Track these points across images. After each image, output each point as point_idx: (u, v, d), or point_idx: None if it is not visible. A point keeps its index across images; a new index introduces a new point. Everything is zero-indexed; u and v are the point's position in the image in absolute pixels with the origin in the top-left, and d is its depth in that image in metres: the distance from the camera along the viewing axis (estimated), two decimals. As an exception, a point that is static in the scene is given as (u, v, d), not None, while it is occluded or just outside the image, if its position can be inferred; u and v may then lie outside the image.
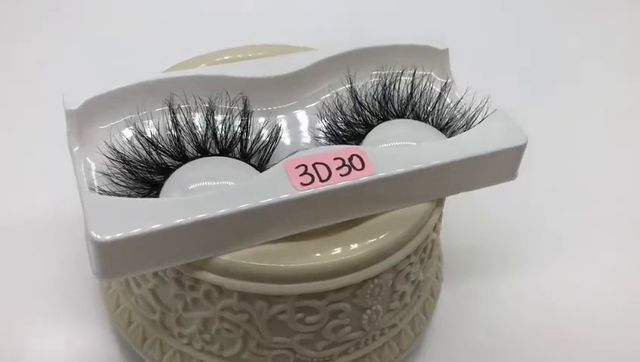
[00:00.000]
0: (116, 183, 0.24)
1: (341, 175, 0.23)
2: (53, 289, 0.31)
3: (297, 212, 0.23)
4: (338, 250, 0.23)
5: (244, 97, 0.26)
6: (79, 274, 0.31)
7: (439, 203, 0.26)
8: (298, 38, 0.33)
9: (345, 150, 0.24)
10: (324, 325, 0.25)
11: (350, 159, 0.24)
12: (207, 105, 0.26)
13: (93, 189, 0.23)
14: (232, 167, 0.24)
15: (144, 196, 0.24)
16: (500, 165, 0.26)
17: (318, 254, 0.23)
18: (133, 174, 0.24)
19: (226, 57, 0.30)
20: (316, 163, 0.24)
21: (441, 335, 0.31)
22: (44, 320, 0.30)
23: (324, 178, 0.23)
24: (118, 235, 0.21)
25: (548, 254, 0.35)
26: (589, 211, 0.38)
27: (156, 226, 0.21)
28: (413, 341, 0.29)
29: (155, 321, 0.26)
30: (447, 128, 0.28)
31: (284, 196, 0.22)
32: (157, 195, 0.24)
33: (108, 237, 0.21)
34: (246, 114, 0.26)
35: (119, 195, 0.23)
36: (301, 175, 0.23)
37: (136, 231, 0.21)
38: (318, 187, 0.23)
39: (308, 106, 0.28)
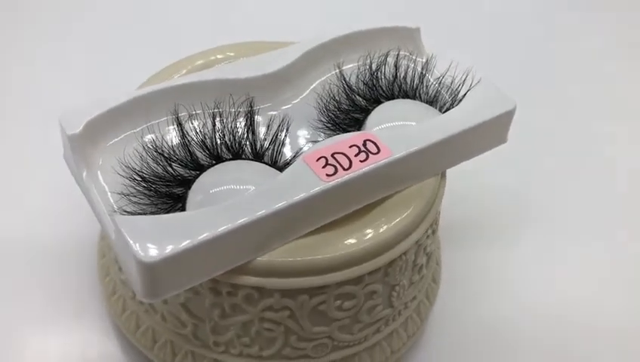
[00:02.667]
0: (136, 202, 0.23)
1: (360, 161, 0.24)
2: (53, 288, 0.31)
3: (326, 203, 0.23)
4: (370, 233, 0.24)
5: (249, 98, 0.26)
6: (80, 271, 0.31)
7: (442, 175, 0.28)
8: (260, 36, 0.33)
9: (358, 136, 0.25)
10: (360, 308, 0.25)
11: (364, 145, 0.25)
12: (210, 110, 0.26)
13: (116, 212, 0.23)
14: (251, 168, 0.24)
15: (168, 210, 0.23)
16: (494, 131, 0.28)
17: (352, 240, 0.24)
18: (154, 191, 0.23)
19: (199, 62, 0.30)
20: (334, 153, 0.24)
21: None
22: (44, 321, 0.30)
23: (346, 166, 0.24)
24: (167, 252, 0.20)
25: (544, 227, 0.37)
26: (590, 206, 0.38)
27: (203, 236, 0.21)
28: (429, 310, 0.30)
29: (187, 335, 0.26)
30: (434, 102, 0.29)
31: (316, 189, 0.23)
32: (181, 208, 0.23)
33: (156, 257, 0.20)
34: (252, 114, 0.26)
35: (148, 213, 0.23)
36: (324, 167, 0.24)
37: (184, 244, 0.20)
38: (343, 176, 0.23)
39: (302, 99, 0.29)
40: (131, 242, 0.20)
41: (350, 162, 0.24)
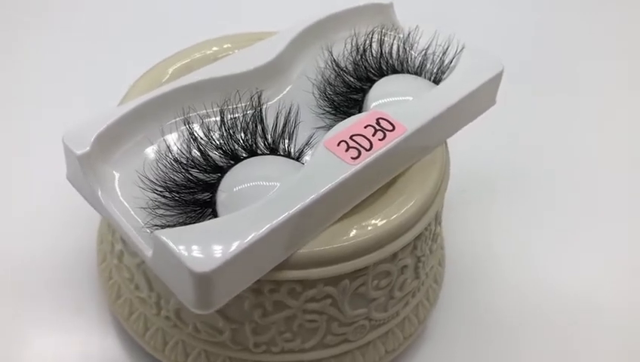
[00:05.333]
0: (162, 215, 0.22)
1: (379, 140, 0.24)
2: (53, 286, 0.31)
3: (355, 185, 0.23)
4: (398, 211, 0.24)
5: (258, 91, 0.25)
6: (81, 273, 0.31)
7: (445, 149, 0.28)
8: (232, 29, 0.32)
9: (370, 116, 0.25)
10: (394, 284, 0.26)
11: (378, 123, 0.25)
12: (216, 110, 0.25)
13: (145, 228, 0.22)
14: (273, 163, 0.24)
15: (199, 218, 0.23)
16: (487, 94, 0.28)
17: (383, 220, 0.24)
18: (179, 200, 0.22)
19: (193, 56, 0.29)
20: (352, 135, 0.24)
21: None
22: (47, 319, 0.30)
23: (367, 147, 0.24)
24: (220, 260, 0.20)
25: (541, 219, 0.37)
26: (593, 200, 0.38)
27: (250, 238, 0.20)
28: (443, 275, 0.31)
29: (224, 341, 0.25)
30: (421, 74, 0.29)
31: (346, 174, 0.23)
32: (212, 213, 0.23)
33: (210, 266, 0.19)
34: (261, 108, 0.25)
35: (178, 224, 0.22)
36: (346, 151, 0.24)
37: (234, 249, 0.20)
38: (367, 157, 0.23)
39: (295, 86, 0.28)
40: (183, 255, 0.20)
41: (370, 142, 0.24)
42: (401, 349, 0.28)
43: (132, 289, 0.27)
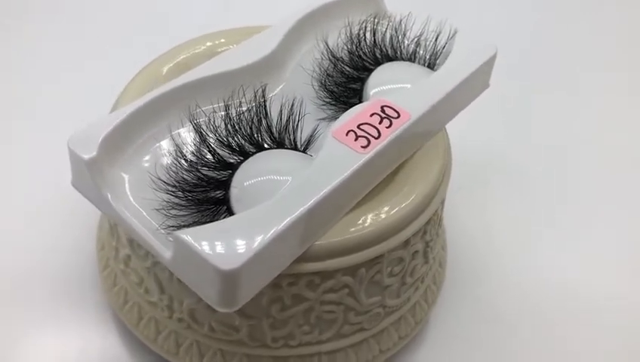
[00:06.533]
0: (175, 215, 0.22)
1: (386, 127, 0.24)
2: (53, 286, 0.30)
3: (367, 174, 0.24)
4: (407, 198, 0.24)
5: (263, 85, 0.25)
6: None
7: (445, 134, 0.28)
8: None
9: (374, 104, 0.25)
10: (406, 270, 0.26)
11: (383, 111, 0.25)
12: (221, 106, 0.25)
13: (160, 230, 0.21)
14: (282, 156, 0.24)
15: (214, 216, 0.22)
16: (481, 78, 0.29)
17: (394, 207, 0.24)
18: (193, 199, 0.22)
19: (198, 48, 0.29)
20: (359, 125, 0.24)
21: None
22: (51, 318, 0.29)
23: (375, 136, 0.24)
24: (244, 256, 0.19)
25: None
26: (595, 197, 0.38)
27: (272, 233, 0.20)
28: (446, 258, 0.31)
29: (241, 339, 0.25)
30: (414, 60, 0.30)
31: (358, 163, 0.23)
32: (227, 210, 0.22)
33: (236, 263, 0.19)
34: (265, 102, 0.25)
35: (197, 223, 0.22)
36: (355, 140, 0.24)
37: (257, 245, 0.20)
38: (377, 145, 0.23)
39: (292, 78, 0.28)
40: (208, 253, 0.19)
41: (378, 130, 0.24)
42: (413, 334, 0.29)
43: (141, 294, 0.26)
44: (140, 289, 0.26)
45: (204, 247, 0.20)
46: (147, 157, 0.24)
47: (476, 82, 0.28)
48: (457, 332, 0.31)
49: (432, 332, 0.31)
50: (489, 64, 0.29)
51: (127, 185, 0.23)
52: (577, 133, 0.41)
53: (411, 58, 0.29)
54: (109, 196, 0.22)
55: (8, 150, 0.36)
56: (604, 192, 0.38)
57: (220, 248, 0.20)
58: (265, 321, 0.24)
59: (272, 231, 0.20)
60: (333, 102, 0.28)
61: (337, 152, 0.23)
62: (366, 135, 0.24)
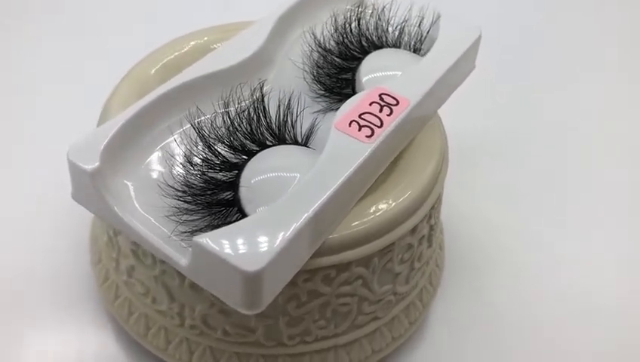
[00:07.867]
0: (186, 221, 0.22)
1: (387, 115, 0.24)
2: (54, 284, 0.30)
3: (373, 163, 0.23)
4: (417, 181, 0.25)
5: (261, 82, 0.25)
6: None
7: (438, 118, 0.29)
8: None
9: (372, 92, 0.25)
10: (415, 255, 0.26)
11: (382, 99, 0.25)
12: (220, 102, 0.24)
13: (176, 236, 0.21)
14: (286, 152, 0.23)
15: (226, 218, 0.22)
16: (468, 60, 0.29)
17: (402, 194, 0.24)
18: (203, 203, 0.22)
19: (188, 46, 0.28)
20: (361, 114, 0.24)
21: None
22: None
23: (378, 124, 0.24)
24: (268, 257, 0.19)
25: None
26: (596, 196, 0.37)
27: (290, 231, 0.20)
28: (444, 241, 0.32)
29: (257, 340, 0.25)
30: (402, 45, 0.30)
31: (366, 153, 0.23)
32: (239, 211, 0.22)
33: (260, 265, 0.19)
34: (263, 99, 0.24)
35: (209, 226, 0.21)
36: (359, 130, 0.23)
37: (277, 245, 0.19)
38: (380, 134, 0.23)
39: (280, 71, 0.28)
40: (230, 256, 0.19)
41: (380, 119, 0.24)
42: (421, 319, 0.29)
43: (148, 304, 0.26)
44: (147, 299, 0.26)
45: (226, 250, 0.19)
46: (149, 163, 0.23)
47: (465, 65, 0.29)
48: (456, 319, 0.31)
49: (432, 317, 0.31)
50: (475, 46, 0.29)
51: (132, 193, 0.22)
52: (575, 124, 0.41)
53: (397, 44, 0.30)
54: (116, 207, 0.21)
55: (8, 150, 0.36)
56: (602, 184, 0.38)
57: (241, 249, 0.19)
58: (281, 320, 0.24)
59: (291, 229, 0.20)
60: (326, 94, 0.27)
61: (343, 144, 0.23)
62: (369, 124, 0.24)
